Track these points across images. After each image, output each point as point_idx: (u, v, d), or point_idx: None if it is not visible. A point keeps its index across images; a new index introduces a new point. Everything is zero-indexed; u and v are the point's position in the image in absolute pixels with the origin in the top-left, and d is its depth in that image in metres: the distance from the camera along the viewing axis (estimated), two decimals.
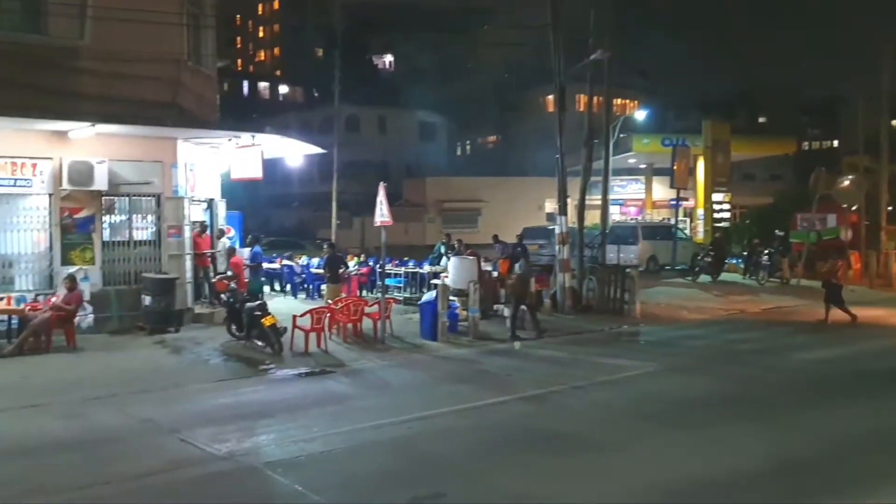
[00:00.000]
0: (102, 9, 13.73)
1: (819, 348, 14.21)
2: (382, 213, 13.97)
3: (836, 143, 63.28)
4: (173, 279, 14.58)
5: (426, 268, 20.16)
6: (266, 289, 19.80)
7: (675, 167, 31.54)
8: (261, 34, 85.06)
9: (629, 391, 10.61)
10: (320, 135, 40.71)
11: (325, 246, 19.19)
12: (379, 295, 15.00)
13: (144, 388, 10.24)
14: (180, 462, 7.21)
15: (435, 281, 17.85)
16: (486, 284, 16.37)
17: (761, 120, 60.73)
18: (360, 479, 6.91)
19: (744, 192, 41.68)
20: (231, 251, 16.80)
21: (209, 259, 16.65)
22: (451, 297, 14.90)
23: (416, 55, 65.46)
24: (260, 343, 12.74)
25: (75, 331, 12.95)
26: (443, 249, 20.89)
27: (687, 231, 34.90)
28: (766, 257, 24.82)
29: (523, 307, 15.05)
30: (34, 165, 13.75)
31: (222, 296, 14.32)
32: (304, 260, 21.91)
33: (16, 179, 13.62)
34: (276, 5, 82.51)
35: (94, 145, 14.00)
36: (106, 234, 14.59)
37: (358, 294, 18.71)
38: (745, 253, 27.09)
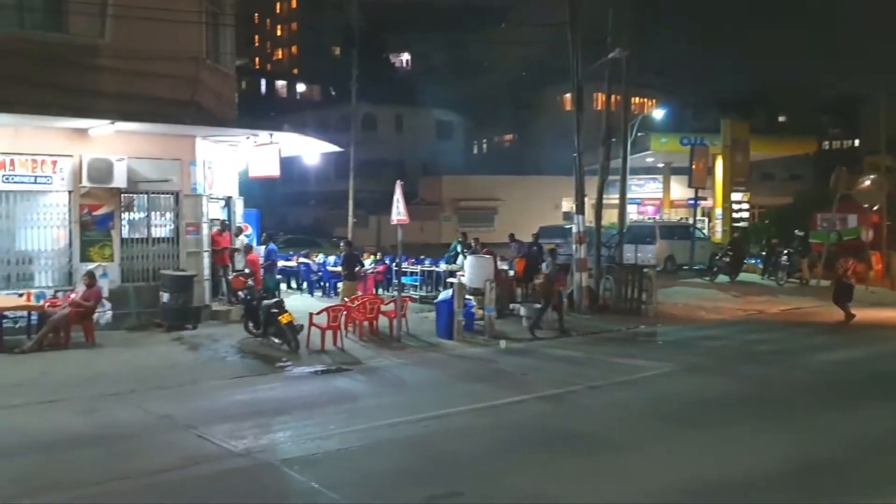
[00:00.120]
0: (123, 7, 13.80)
1: (838, 349, 14.09)
2: (399, 211, 13.98)
3: (856, 142, 62.59)
4: (191, 276, 14.65)
5: (442, 266, 20.16)
6: (283, 286, 19.88)
7: (693, 166, 31.36)
8: (279, 33, 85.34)
9: (646, 391, 10.54)
10: (337, 133, 40.76)
11: (341, 244, 19.25)
12: (395, 293, 15.00)
13: (162, 384, 10.30)
14: (197, 458, 7.24)
15: (451, 280, 17.84)
16: (502, 283, 16.33)
17: (781, 119, 60.21)
18: (376, 477, 6.91)
19: (763, 191, 41.37)
20: (248, 248, 16.87)
21: (229, 257, 16.72)
22: (468, 296, 14.87)
23: (433, 54, 65.52)
24: (276, 340, 12.78)
25: (94, 327, 13.04)
26: (459, 248, 20.87)
27: (705, 231, 34.67)
28: (785, 258, 24.60)
29: (541, 306, 15.02)
30: (54, 163, 13.85)
31: (240, 293, 14.37)
32: (320, 258, 21.98)
33: (36, 176, 13.73)
34: (293, 4, 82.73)
35: (113, 143, 14.09)
36: (125, 231, 14.67)
37: (374, 292, 18.71)
38: (764, 253, 26.87)
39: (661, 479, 6.88)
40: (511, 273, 18.51)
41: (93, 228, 14.26)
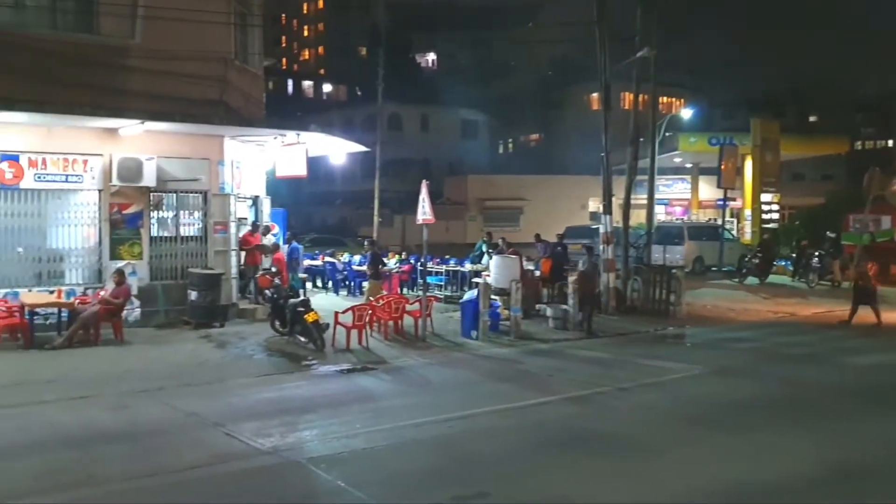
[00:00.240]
0: (152, 8, 13.95)
1: (871, 353, 13.85)
2: (425, 210, 13.97)
3: (890, 142, 61.55)
4: (219, 275, 14.77)
5: (467, 266, 20.12)
6: (308, 285, 19.98)
7: (722, 167, 31.01)
8: (305, 33, 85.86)
9: (675, 394, 10.43)
10: (363, 133, 40.88)
11: (366, 243, 19.28)
12: (420, 293, 15.00)
13: (190, 381, 10.38)
14: (225, 456, 7.28)
15: (476, 279, 17.80)
16: (528, 284, 16.26)
17: (812, 118, 59.30)
18: (402, 476, 6.90)
19: (793, 192, 40.80)
20: (275, 248, 16.96)
21: (260, 256, 16.82)
22: (493, 296, 14.83)
23: (459, 53, 65.52)
24: (303, 339, 12.83)
25: (123, 324, 13.19)
26: (484, 247, 20.82)
27: (734, 232, 34.28)
28: (816, 259, 24.24)
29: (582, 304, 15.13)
30: (85, 162, 14.03)
31: (266, 292, 14.46)
32: (345, 257, 22.05)
33: (67, 175, 13.92)
34: (320, 4, 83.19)
35: (143, 142, 14.24)
36: (154, 230, 14.83)
37: (399, 292, 18.73)
38: (794, 255, 26.51)
39: (688, 483, 6.80)
40: (537, 273, 18.42)
41: (122, 227, 14.42)
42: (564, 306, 15.64)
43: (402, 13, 54.45)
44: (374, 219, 28.06)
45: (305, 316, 12.66)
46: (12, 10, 13.44)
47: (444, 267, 20.93)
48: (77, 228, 14.19)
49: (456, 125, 57.58)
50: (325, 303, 16.82)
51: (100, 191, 14.21)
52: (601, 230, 17.99)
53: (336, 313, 13.12)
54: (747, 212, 35.79)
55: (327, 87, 73.40)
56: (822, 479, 7.01)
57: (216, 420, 8.40)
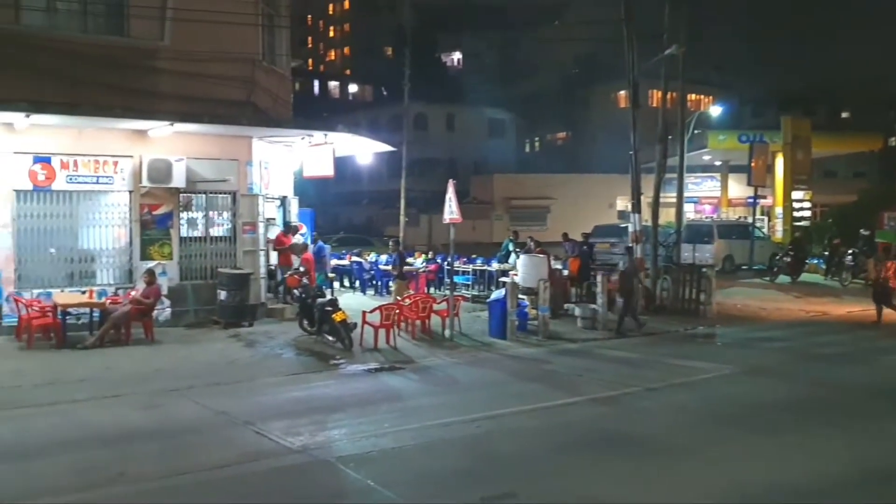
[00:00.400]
0: (181, 11, 14.09)
1: None
2: (451, 210, 13.95)
3: None
4: (248, 274, 14.87)
5: (494, 266, 20.06)
6: (335, 285, 20.06)
7: (752, 164, 30.63)
8: (331, 34, 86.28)
9: (705, 394, 10.32)
10: (388, 132, 40.93)
11: (390, 243, 19.28)
12: (447, 292, 14.97)
13: (220, 380, 10.46)
14: (255, 454, 7.31)
15: (503, 279, 17.74)
16: (556, 283, 16.18)
17: (844, 115, 58.35)
18: (430, 476, 6.89)
19: (825, 189, 40.13)
20: (303, 247, 17.04)
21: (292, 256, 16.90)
22: (521, 296, 14.76)
23: (485, 52, 65.35)
24: (330, 338, 12.87)
25: (153, 324, 13.31)
26: (510, 247, 20.76)
27: (765, 230, 33.84)
28: (849, 258, 23.83)
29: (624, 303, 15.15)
30: (115, 163, 14.19)
31: (294, 291, 14.52)
32: (372, 257, 22.11)
33: (98, 177, 14.09)
34: (346, 5, 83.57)
35: (172, 143, 14.38)
36: (183, 230, 14.96)
37: (426, 291, 18.74)
38: (827, 253, 26.10)
39: (719, 484, 6.71)
40: (565, 273, 18.32)
41: (152, 227, 14.57)
42: (593, 306, 15.54)
43: (427, 13, 54.52)
44: (401, 218, 28.06)
45: (333, 315, 12.69)
46: (44, 14, 13.63)
47: (471, 266, 20.90)
48: (108, 229, 14.36)
49: (482, 124, 57.46)
50: (352, 302, 16.87)
51: (130, 192, 14.36)
52: (630, 229, 17.85)
53: (363, 313, 13.14)
54: (778, 210, 35.31)
55: (353, 88, 73.68)
56: (854, 480, 6.88)
57: (246, 419, 8.44)
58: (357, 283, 21.54)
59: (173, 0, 14.30)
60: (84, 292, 13.66)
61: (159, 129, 14.10)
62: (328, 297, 14.56)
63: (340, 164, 18.10)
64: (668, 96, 20.94)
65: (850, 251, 24.12)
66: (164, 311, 14.36)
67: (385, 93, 64.75)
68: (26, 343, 12.33)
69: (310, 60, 79.20)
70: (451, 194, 13.96)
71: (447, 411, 8.96)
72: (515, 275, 16.70)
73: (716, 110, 38.00)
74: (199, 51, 14.30)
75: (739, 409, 9.42)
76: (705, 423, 8.83)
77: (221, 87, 14.77)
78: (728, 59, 52.03)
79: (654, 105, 36.25)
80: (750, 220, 30.49)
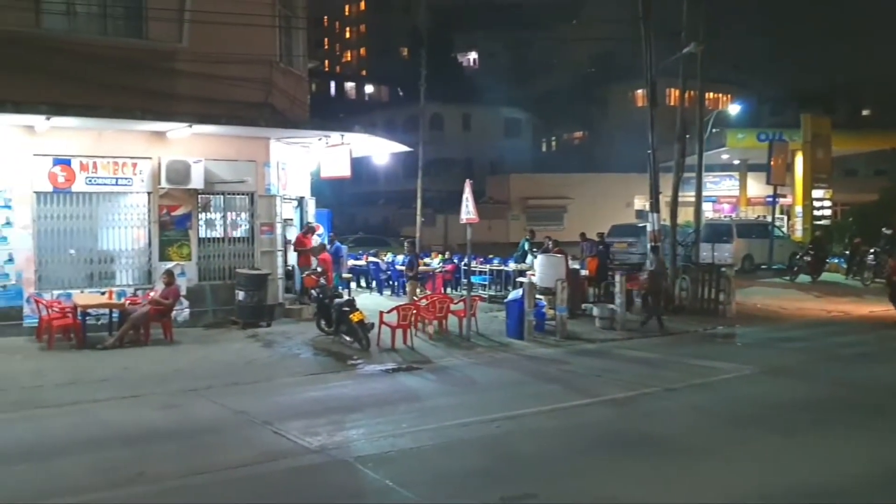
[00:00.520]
0: (199, 13, 14.17)
1: None
2: (468, 210, 13.93)
3: None
4: (265, 275, 14.92)
5: (511, 265, 20.01)
6: (352, 285, 20.09)
7: (771, 163, 30.38)
8: (347, 35, 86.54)
9: (725, 394, 10.23)
10: (405, 133, 40.97)
11: (405, 244, 19.27)
12: (464, 292, 14.95)
13: (238, 380, 10.49)
14: (274, 454, 7.32)
15: (520, 279, 17.69)
16: (573, 283, 16.11)
17: (865, 113, 57.70)
18: (449, 476, 6.87)
19: (846, 188, 39.73)
20: (321, 248, 17.07)
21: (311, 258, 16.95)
22: (538, 296, 14.71)
23: (501, 52, 65.24)
24: (348, 338, 12.88)
25: (172, 324, 13.39)
26: (526, 246, 20.70)
27: (784, 229, 33.57)
28: (871, 257, 23.57)
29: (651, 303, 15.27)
30: (134, 165, 14.29)
31: (312, 291, 14.56)
32: (389, 257, 22.12)
33: (117, 178, 14.18)
34: (362, 6, 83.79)
35: (190, 145, 14.45)
36: (202, 231, 15.03)
37: (443, 291, 18.73)
38: (848, 252, 25.83)
39: (740, 485, 6.65)
40: (583, 273, 18.24)
41: (171, 228, 14.66)
42: (611, 306, 15.46)
43: (443, 13, 54.47)
44: (417, 218, 28.11)
45: (351, 315, 12.71)
46: (64, 17, 13.73)
47: (488, 266, 20.86)
48: (127, 230, 14.46)
49: (498, 124, 57.42)
50: (369, 302, 16.89)
51: (149, 193, 14.46)
52: (648, 228, 17.74)
53: (381, 313, 13.14)
54: (798, 208, 35.03)
55: (369, 89, 73.88)
56: (877, 481, 6.80)
57: (264, 418, 8.46)
58: (373, 284, 21.56)
59: (191, 2, 14.39)
60: (103, 293, 13.75)
61: (178, 131, 14.18)
62: (345, 297, 14.59)
63: (357, 164, 18.14)
64: (687, 95, 20.82)
65: (871, 250, 23.86)
66: (182, 311, 14.44)
67: (401, 93, 64.82)
68: (47, 343, 12.44)
69: (326, 62, 79.51)
70: (467, 194, 13.94)
71: (465, 411, 8.94)
72: (533, 275, 16.64)
73: (734, 109, 37.67)
74: (217, 53, 14.36)
75: (760, 410, 9.33)
76: (725, 423, 8.76)
77: (239, 88, 14.84)
78: (746, 56, 51.59)
79: (672, 104, 36.05)
80: (769, 219, 30.23)
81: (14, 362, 11.36)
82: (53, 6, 13.50)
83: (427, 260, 21.31)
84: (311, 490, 6.54)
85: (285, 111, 16.25)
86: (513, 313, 14.16)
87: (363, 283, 22.03)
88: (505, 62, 62.60)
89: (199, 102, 14.26)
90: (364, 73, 79.45)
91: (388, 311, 13.17)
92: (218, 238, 15.26)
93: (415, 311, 13.69)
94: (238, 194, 15.40)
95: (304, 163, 17.73)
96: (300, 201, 18.00)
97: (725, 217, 37.55)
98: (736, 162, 40.53)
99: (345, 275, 19.08)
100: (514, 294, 14.65)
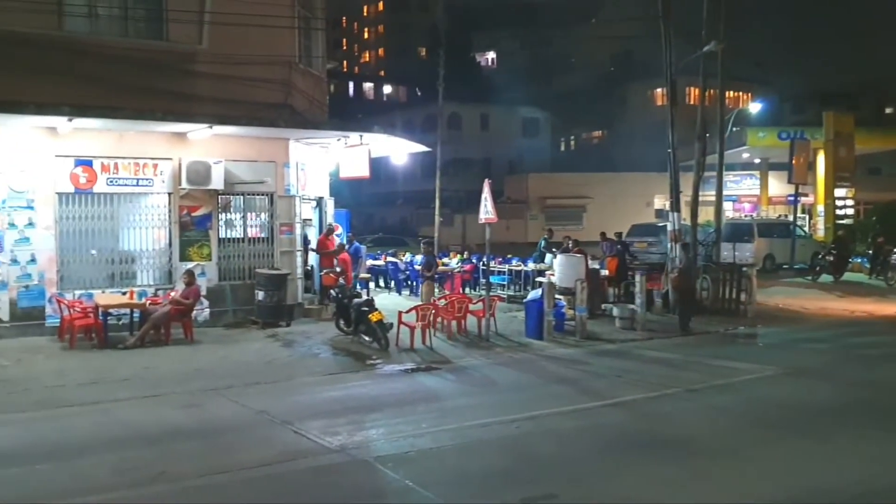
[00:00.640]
0: (219, 14, 14.24)
1: None
2: (487, 209, 13.89)
3: None
4: (285, 275, 14.97)
5: (530, 265, 19.95)
6: (371, 285, 20.12)
7: (793, 161, 30.08)
8: (365, 35, 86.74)
9: (747, 395, 10.12)
10: (423, 133, 41.05)
11: (422, 244, 19.23)
12: (483, 292, 14.91)
13: (258, 379, 10.52)
14: (294, 453, 7.33)
15: (540, 279, 17.63)
16: (593, 283, 16.02)
17: (888, 110, 56.99)
18: (469, 476, 6.85)
19: (869, 186, 39.26)
20: (340, 248, 17.12)
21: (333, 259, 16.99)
22: (558, 296, 14.65)
23: (519, 51, 65.12)
24: (367, 338, 12.90)
25: (192, 324, 13.47)
26: (542, 244, 20.62)
27: (806, 228, 33.23)
28: (895, 256, 23.26)
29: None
30: (155, 166, 14.39)
31: (331, 291, 14.59)
32: (407, 257, 22.14)
33: (138, 179, 14.28)
34: (380, 7, 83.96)
35: (210, 146, 14.53)
36: (222, 232, 15.11)
37: (461, 291, 18.70)
38: (871, 252, 25.52)
39: (761, 488, 6.57)
40: (603, 272, 18.15)
41: (192, 229, 14.74)
42: (631, 306, 15.36)
43: (461, 13, 54.46)
44: (435, 218, 28.12)
45: (370, 315, 12.72)
46: (85, 20, 13.85)
47: (506, 266, 20.81)
48: (148, 231, 14.56)
49: (516, 123, 57.28)
50: (387, 302, 16.90)
51: (169, 194, 14.55)
52: (669, 228, 17.61)
53: (399, 313, 13.14)
54: (820, 207, 34.65)
55: (388, 89, 73.99)
56: None
57: (284, 418, 8.48)
58: (392, 284, 21.58)
59: (211, 4, 14.47)
60: (125, 293, 13.85)
61: (198, 132, 14.25)
62: (364, 297, 14.61)
63: (375, 164, 18.13)
64: (707, 93, 20.64)
65: (895, 249, 23.54)
66: (203, 311, 14.52)
67: (419, 93, 64.91)
68: (68, 343, 12.54)
69: (344, 62, 79.71)
70: (486, 194, 13.90)
71: (485, 412, 8.91)
72: (552, 275, 16.58)
73: (755, 107, 37.37)
74: (236, 54, 14.42)
75: (782, 411, 9.24)
76: (747, 425, 8.67)
77: (259, 89, 14.90)
78: (768, 54, 51.10)
79: (692, 102, 35.82)
80: (791, 218, 29.94)
81: (36, 362, 11.47)
82: (76, 9, 13.62)
83: (445, 260, 21.29)
84: (331, 490, 6.54)
85: (304, 112, 16.30)
86: (532, 313, 14.11)
87: (382, 283, 22.06)
88: (523, 61, 62.44)
89: (219, 103, 14.32)
90: (382, 73, 79.59)
91: (407, 311, 13.17)
92: (238, 238, 15.34)
93: (433, 312, 13.68)
94: (258, 195, 15.47)
95: (323, 163, 17.78)
96: (319, 201, 18.04)
97: (746, 216, 37.23)
98: (757, 161, 40.18)
99: (363, 275, 19.11)
100: (534, 294, 14.59)
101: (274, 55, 15.10)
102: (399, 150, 19.80)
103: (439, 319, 13.98)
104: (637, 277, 15.63)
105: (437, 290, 17.09)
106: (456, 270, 19.99)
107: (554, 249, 19.27)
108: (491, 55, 73.57)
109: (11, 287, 13.29)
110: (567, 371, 11.62)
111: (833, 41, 51.72)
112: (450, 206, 37.00)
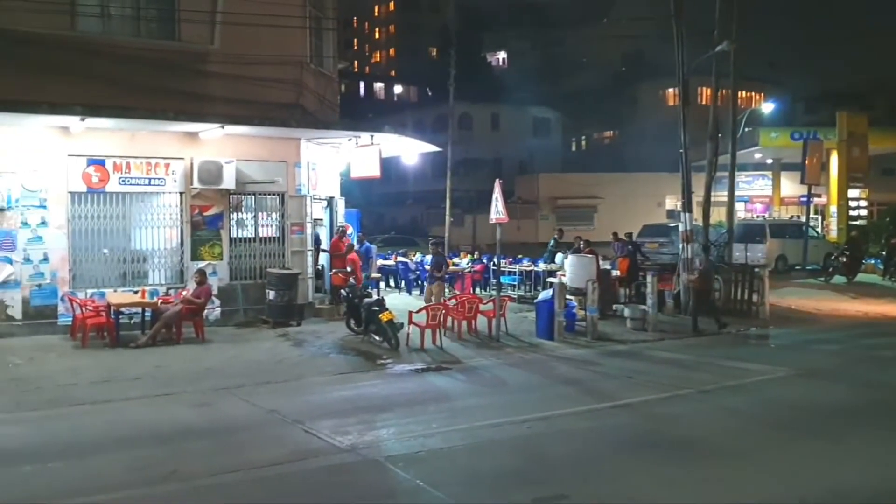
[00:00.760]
0: (231, 15, 14.27)
1: None
2: (498, 210, 13.86)
3: None
4: (296, 274, 14.99)
5: (541, 266, 19.91)
6: (381, 285, 20.13)
7: (806, 162, 29.91)
8: (376, 35, 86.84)
9: (759, 397, 10.07)
10: (433, 133, 41.03)
11: (431, 245, 19.23)
12: (493, 292, 14.88)
13: (269, 379, 10.54)
14: (305, 453, 7.34)
15: (550, 279, 17.58)
16: (604, 283, 15.96)
17: None
18: (480, 476, 6.83)
19: (883, 187, 38.96)
20: (349, 248, 17.13)
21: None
22: (568, 297, 14.60)
23: (530, 51, 65.04)
24: (377, 338, 12.91)
25: (204, 323, 13.50)
26: (552, 244, 20.58)
27: (818, 229, 33.03)
28: None
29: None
30: (167, 165, 14.44)
31: (342, 291, 14.60)
32: (418, 257, 22.13)
33: (150, 179, 14.33)
34: (391, 7, 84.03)
35: (222, 146, 14.57)
36: (233, 231, 15.14)
37: (472, 291, 18.68)
38: (884, 253, 25.35)
39: (774, 489, 6.54)
40: (614, 273, 18.09)
41: (203, 228, 14.78)
42: (643, 307, 15.30)
43: (472, 13, 54.46)
44: (446, 218, 28.11)
45: (380, 315, 12.72)
46: (98, 20, 13.91)
47: (517, 267, 20.78)
48: (159, 230, 14.60)
49: (527, 123, 57.18)
50: (397, 302, 16.90)
51: (181, 193, 14.59)
52: (681, 228, 17.53)
53: (410, 312, 13.14)
54: (833, 208, 34.45)
55: (398, 89, 74.03)
56: None
57: (295, 417, 8.49)
58: (402, 284, 21.59)
59: (223, 4, 14.50)
60: (136, 292, 13.90)
61: (210, 132, 14.29)
62: (375, 297, 14.61)
63: (385, 164, 18.12)
64: (719, 93, 20.54)
65: None
66: (214, 310, 14.56)
67: (430, 93, 64.90)
68: (80, 342, 12.60)
69: (355, 62, 79.84)
70: (497, 194, 13.88)
71: (496, 412, 8.89)
72: (563, 275, 16.54)
73: (767, 107, 37.15)
74: (248, 54, 14.46)
75: (794, 413, 9.20)
76: (759, 426, 8.62)
77: (270, 89, 14.92)
78: (780, 54, 50.87)
79: (704, 102, 35.70)
80: (803, 218, 29.77)
81: (49, 360, 11.53)
82: (88, 9, 13.69)
83: (456, 260, 21.28)
84: (341, 489, 6.54)
85: (315, 112, 16.32)
86: (543, 314, 14.07)
87: (392, 283, 22.07)
88: (534, 61, 62.35)
89: (231, 103, 14.36)
90: (393, 73, 79.66)
91: (418, 311, 13.17)
92: (249, 238, 15.37)
93: (444, 312, 13.66)
94: (269, 194, 15.50)
95: (333, 163, 17.80)
96: (330, 201, 18.06)
97: (758, 217, 37.03)
98: (769, 161, 39.98)
99: (374, 275, 19.11)
100: (544, 294, 14.55)
101: (285, 55, 15.12)
102: (410, 150, 19.79)
103: (450, 319, 13.96)
104: (648, 278, 15.57)
105: (447, 290, 17.06)
106: (466, 270, 19.98)
107: (565, 250, 19.21)
108: (501, 55, 73.50)
109: (24, 286, 13.36)
110: (578, 372, 11.59)
111: (846, 41, 51.41)
112: (460, 206, 36.98)
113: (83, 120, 12.94)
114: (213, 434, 8.05)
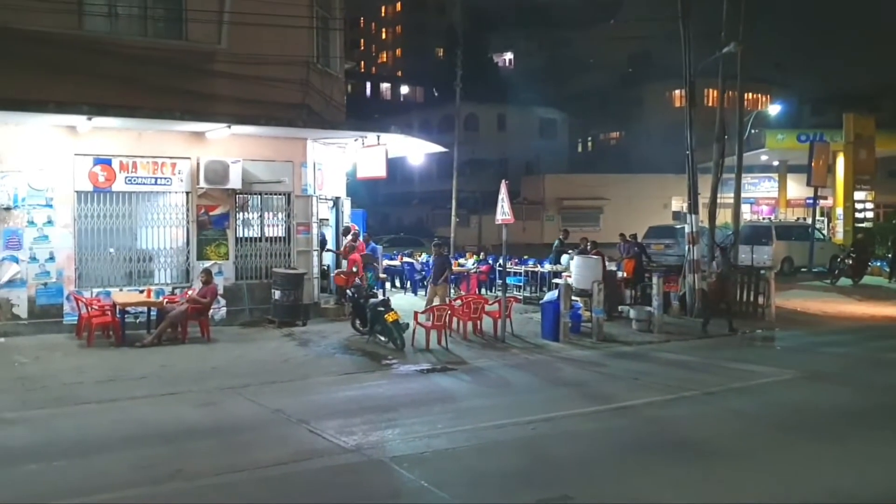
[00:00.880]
0: (238, 14, 14.30)
1: None
2: (504, 210, 13.84)
3: None
4: (301, 274, 15.00)
5: (546, 267, 19.88)
6: (387, 285, 20.13)
7: (812, 164, 29.83)
8: (383, 36, 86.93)
9: (764, 399, 10.04)
10: (439, 133, 41.03)
11: (433, 245, 19.16)
12: (499, 293, 14.87)
13: (274, 378, 10.55)
14: (310, 452, 7.34)
15: (556, 280, 17.56)
16: (610, 285, 15.93)
17: None
18: (485, 477, 6.83)
19: (890, 189, 38.88)
20: (351, 249, 17.13)
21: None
22: (574, 298, 14.58)
23: (536, 52, 65.06)
24: (382, 338, 12.90)
25: (209, 323, 13.50)
26: (557, 245, 20.55)
27: (825, 231, 32.94)
28: None
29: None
30: (173, 165, 14.46)
31: (347, 291, 14.61)
32: (423, 257, 22.13)
33: (157, 178, 14.36)
34: (398, 7, 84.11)
35: (228, 145, 14.59)
36: (239, 231, 15.16)
37: (477, 292, 18.65)
38: (890, 255, 25.26)
39: (779, 492, 6.52)
40: (620, 274, 18.05)
41: (209, 228, 14.80)
42: (649, 308, 15.27)
43: (479, 13, 54.44)
44: (452, 219, 28.11)
45: (385, 316, 12.72)
46: (105, 19, 13.95)
47: (522, 267, 20.76)
48: (165, 229, 14.63)
49: (533, 124, 57.21)
50: (403, 303, 16.90)
51: (187, 193, 14.61)
52: (687, 230, 17.48)
53: (415, 313, 13.14)
54: (839, 210, 34.33)
55: (405, 89, 74.11)
56: None
57: (300, 417, 8.49)
58: (408, 284, 21.58)
59: (230, 4, 14.53)
60: (142, 291, 13.93)
61: (216, 132, 14.31)
62: (380, 297, 14.61)
63: (392, 165, 18.17)
64: (726, 95, 20.49)
65: None
66: (219, 310, 14.58)
67: (436, 94, 64.91)
68: (86, 341, 12.62)
69: (362, 62, 79.95)
70: (503, 195, 13.86)
71: (501, 413, 8.88)
72: (569, 276, 16.51)
73: (774, 109, 37.15)
74: (255, 54, 14.47)
75: (800, 415, 9.17)
76: (764, 428, 8.59)
77: (277, 89, 14.94)
78: (787, 56, 50.74)
79: (710, 104, 35.62)
80: (809, 220, 29.70)
81: (54, 359, 11.55)
82: (95, 8, 13.72)
83: (462, 260, 21.27)
84: (346, 490, 6.54)
85: (322, 112, 16.34)
86: (548, 315, 14.05)
87: (398, 284, 22.07)
88: (540, 62, 62.41)
89: (238, 103, 14.38)
90: (400, 73, 79.74)
91: (423, 312, 13.16)
92: (255, 237, 15.39)
93: (449, 312, 13.65)
94: (275, 194, 15.52)
95: (340, 163, 17.81)
96: (336, 201, 18.09)
97: (764, 219, 36.96)
98: (775, 163, 39.90)
99: (380, 275, 19.10)
100: (550, 295, 14.54)
101: (292, 55, 15.14)
102: (416, 151, 19.80)
103: (455, 320, 13.95)
104: (654, 279, 15.54)
105: (452, 290, 17.04)
106: (472, 271, 19.96)
107: (570, 251, 19.18)
108: (508, 56, 73.53)
109: (30, 285, 13.40)
110: (583, 373, 11.57)
111: (853, 43, 51.23)
112: (466, 206, 37.01)
113: (90, 119, 12.96)
114: (217, 433, 8.06)
